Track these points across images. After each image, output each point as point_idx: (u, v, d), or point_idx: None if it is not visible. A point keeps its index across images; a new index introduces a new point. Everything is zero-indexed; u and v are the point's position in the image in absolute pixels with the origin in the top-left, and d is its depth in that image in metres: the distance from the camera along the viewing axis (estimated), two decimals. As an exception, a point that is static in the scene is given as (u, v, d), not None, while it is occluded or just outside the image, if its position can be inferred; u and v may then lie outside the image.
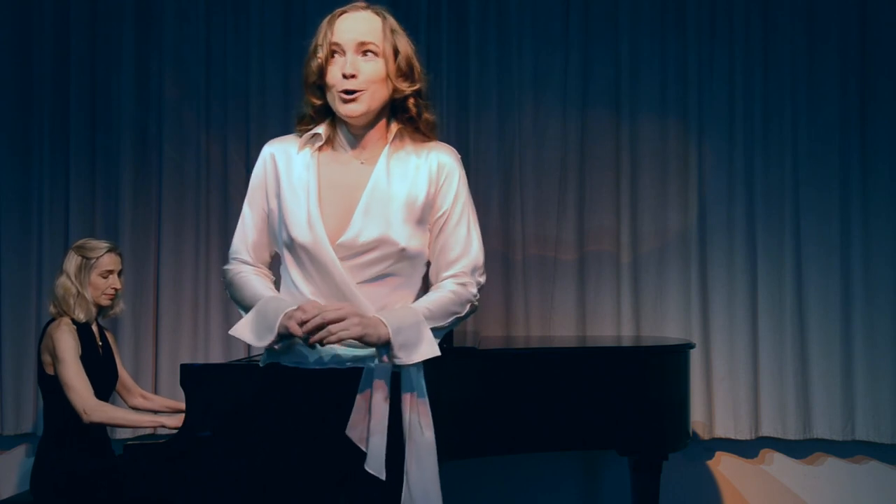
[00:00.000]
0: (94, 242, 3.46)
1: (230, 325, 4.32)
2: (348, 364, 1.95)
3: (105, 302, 3.44)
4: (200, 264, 4.35)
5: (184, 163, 4.36)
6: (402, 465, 1.94)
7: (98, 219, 4.33)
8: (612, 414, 3.27)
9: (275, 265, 2.12)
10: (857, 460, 4.29)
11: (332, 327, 1.83)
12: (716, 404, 4.24)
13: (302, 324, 1.84)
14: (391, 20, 2.00)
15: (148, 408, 3.63)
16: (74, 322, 3.36)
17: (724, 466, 4.35)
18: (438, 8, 4.38)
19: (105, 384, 3.44)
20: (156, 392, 4.21)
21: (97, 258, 3.40)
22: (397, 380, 1.97)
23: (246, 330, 1.96)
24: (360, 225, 1.94)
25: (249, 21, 4.38)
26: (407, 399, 1.95)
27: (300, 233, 1.95)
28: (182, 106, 4.37)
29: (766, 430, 4.22)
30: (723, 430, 4.24)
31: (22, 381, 4.27)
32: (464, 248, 2.02)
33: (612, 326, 4.30)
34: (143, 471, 3.03)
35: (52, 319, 3.40)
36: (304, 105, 2.03)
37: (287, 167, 2.03)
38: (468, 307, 2.02)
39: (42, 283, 4.26)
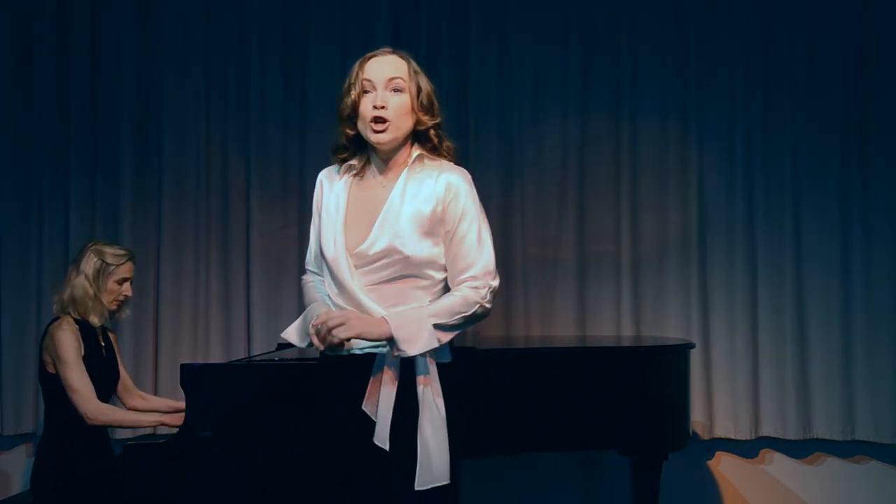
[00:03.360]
0: (115, 249, 3.44)
1: (230, 325, 4.36)
2: (367, 349, 2.26)
3: (113, 307, 3.44)
4: (200, 264, 4.35)
5: (184, 163, 4.36)
6: (414, 444, 2.20)
7: (98, 219, 4.33)
8: (612, 414, 3.26)
9: None
10: (857, 460, 4.29)
11: (334, 330, 2.16)
12: (716, 404, 4.24)
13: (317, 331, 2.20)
14: (414, 63, 2.34)
15: (147, 408, 3.62)
16: (78, 321, 3.36)
17: (724, 466, 4.35)
18: (439, 9, 4.38)
19: (107, 385, 3.44)
20: (156, 392, 4.21)
21: (117, 266, 3.41)
22: (411, 364, 2.24)
23: (293, 333, 2.38)
24: (375, 237, 2.26)
25: (249, 21, 4.38)
26: (420, 379, 2.24)
27: (328, 248, 2.31)
28: (182, 106, 4.37)
29: (766, 430, 4.22)
30: (723, 430, 4.24)
31: (22, 381, 4.27)
32: (474, 256, 2.28)
33: (612, 326, 4.30)
34: (143, 471, 3.03)
35: (54, 319, 3.39)
36: (339, 135, 2.36)
37: (329, 190, 2.38)
38: (476, 308, 2.26)
39: (42, 284, 4.26)
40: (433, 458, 2.20)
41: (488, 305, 2.28)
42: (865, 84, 4.25)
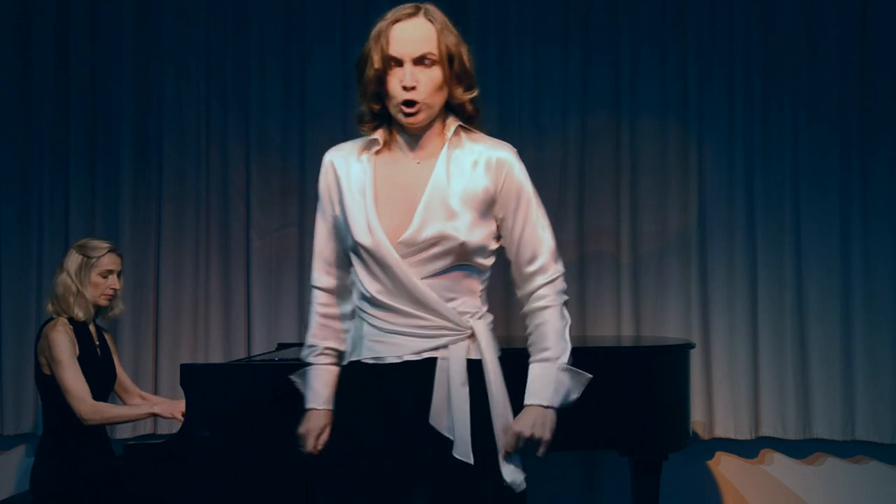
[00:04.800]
0: (95, 242, 3.47)
1: (230, 325, 4.35)
2: (424, 355, 2.03)
3: (104, 302, 3.44)
4: (200, 264, 4.35)
5: (184, 163, 4.36)
6: (490, 451, 2.01)
7: (98, 219, 4.33)
8: (612, 414, 3.26)
9: None
10: (857, 460, 4.29)
11: (543, 447, 2.04)
12: (716, 404, 4.24)
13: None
14: (441, 20, 2.04)
15: (145, 408, 3.63)
16: (72, 322, 3.36)
17: (724, 466, 4.35)
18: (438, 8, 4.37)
19: (103, 385, 3.44)
20: (156, 392, 4.21)
21: (98, 258, 3.41)
22: (474, 367, 2.04)
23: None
24: (421, 221, 2.00)
25: (249, 21, 4.38)
26: (491, 380, 2.04)
27: (361, 235, 2.02)
28: (182, 106, 4.37)
29: (766, 430, 4.22)
30: (723, 430, 4.24)
31: (22, 381, 4.26)
32: (539, 240, 2.11)
33: (612, 326, 4.30)
34: (143, 471, 3.04)
35: (49, 320, 3.40)
36: (361, 105, 2.09)
37: (346, 173, 2.08)
38: (564, 302, 2.12)
39: (42, 283, 4.26)
40: (511, 465, 2.04)
41: (566, 292, 2.14)
42: (865, 84, 4.25)
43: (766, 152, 4.28)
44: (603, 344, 3.79)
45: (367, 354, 2.06)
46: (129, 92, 4.35)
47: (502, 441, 2.02)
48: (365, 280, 2.04)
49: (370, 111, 2.07)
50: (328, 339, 2.15)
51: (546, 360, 2.06)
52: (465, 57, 2.05)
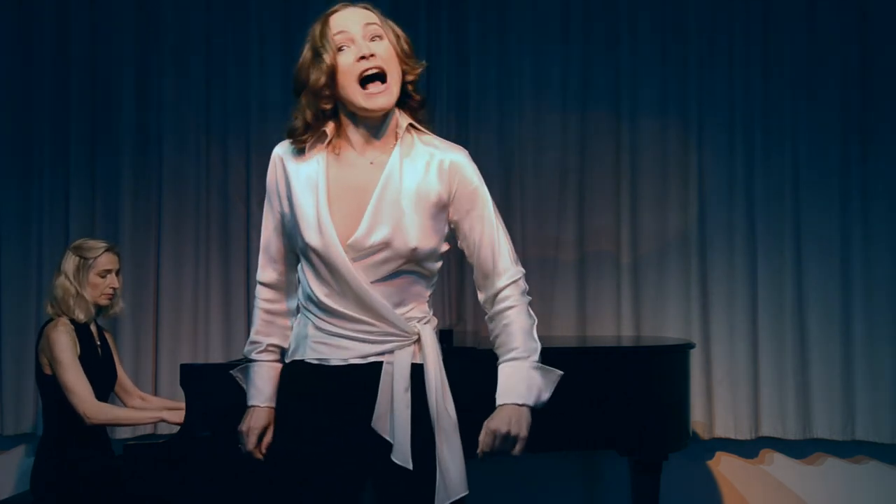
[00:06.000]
0: (91, 242, 3.46)
1: (230, 325, 4.35)
2: (370, 359, 2.00)
3: (104, 302, 3.44)
4: (200, 264, 4.35)
5: (184, 163, 4.36)
6: (431, 455, 1.98)
7: (98, 219, 4.33)
8: (612, 414, 3.26)
9: None
10: (857, 460, 4.29)
11: (520, 445, 1.97)
12: (716, 404, 4.24)
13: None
14: (372, 8, 2.03)
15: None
16: (73, 322, 3.36)
17: (724, 466, 4.35)
18: (438, 8, 4.38)
19: (104, 385, 3.44)
20: (156, 392, 4.21)
21: (95, 258, 3.40)
22: (419, 371, 2.01)
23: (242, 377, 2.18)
24: (370, 225, 1.96)
25: (249, 21, 4.38)
26: (432, 387, 1.99)
27: (311, 236, 1.97)
28: (182, 106, 4.37)
29: (766, 430, 4.22)
30: (723, 430, 4.24)
31: (22, 381, 4.26)
32: (499, 245, 2.06)
33: (612, 326, 4.30)
34: (143, 471, 3.03)
35: (50, 320, 3.40)
36: (297, 116, 2.04)
37: (296, 169, 2.04)
38: (528, 302, 2.08)
39: (42, 283, 4.26)
40: (451, 471, 1.98)
41: (529, 293, 2.10)
42: (865, 84, 4.25)
43: (766, 152, 4.28)
44: (603, 344, 3.79)
45: (311, 355, 2.03)
46: (130, 92, 4.35)
47: (449, 442, 1.98)
48: (312, 282, 2.01)
49: (318, 112, 2.01)
50: (272, 335, 2.14)
51: (515, 358, 2.02)
52: (404, 35, 2.03)
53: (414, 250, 1.98)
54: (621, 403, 3.27)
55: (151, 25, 4.38)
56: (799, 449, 4.30)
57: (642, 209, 4.32)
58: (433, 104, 4.33)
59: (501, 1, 4.38)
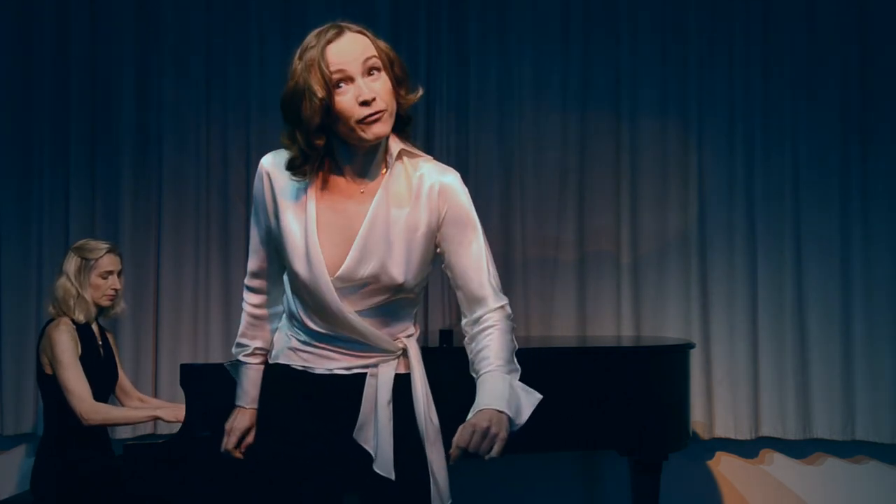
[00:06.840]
0: (93, 243, 3.46)
1: (230, 325, 4.34)
2: (354, 371, 2.01)
3: (106, 303, 3.44)
4: (200, 264, 4.35)
5: (184, 163, 4.36)
6: (417, 465, 1.98)
7: (98, 219, 4.33)
8: (612, 414, 3.27)
9: None
10: (857, 460, 4.29)
11: (498, 446, 1.86)
12: (716, 404, 4.24)
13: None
14: (365, 31, 1.94)
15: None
16: (74, 322, 3.36)
17: (724, 466, 4.35)
18: (438, 9, 4.38)
19: (105, 385, 3.44)
20: (156, 393, 4.21)
21: (97, 259, 3.40)
22: (402, 382, 2.01)
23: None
24: (358, 259, 1.94)
25: (249, 21, 4.39)
26: (419, 397, 2.00)
27: (299, 266, 1.95)
28: (182, 106, 4.37)
29: (766, 430, 4.22)
30: (723, 430, 4.24)
31: (22, 381, 4.26)
32: (485, 271, 2.01)
33: (612, 326, 4.30)
34: (143, 471, 3.04)
35: (52, 319, 3.40)
36: (290, 147, 1.94)
37: (284, 187, 1.97)
38: (513, 325, 2.03)
39: (42, 283, 4.26)
40: (439, 479, 1.98)
41: (512, 319, 2.05)
42: (865, 84, 4.25)
43: (765, 152, 4.28)
44: (603, 344, 3.79)
45: (296, 361, 2.04)
46: (130, 92, 4.35)
47: (436, 450, 1.97)
48: (297, 304, 2.01)
49: (311, 149, 1.91)
50: (257, 339, 2.15)
51: (498, 371, 1.93)
52: (398, 59, 1.96)
53: (401, 285, 1.96)
54: (621, 403, 3.27)
55: (151, 25, 4.38)
56: (799, 449, 4.30)
57: (642, 209, 4.32)
58: (433, 104, 4.34)
59: (501, 1, 4.38)
